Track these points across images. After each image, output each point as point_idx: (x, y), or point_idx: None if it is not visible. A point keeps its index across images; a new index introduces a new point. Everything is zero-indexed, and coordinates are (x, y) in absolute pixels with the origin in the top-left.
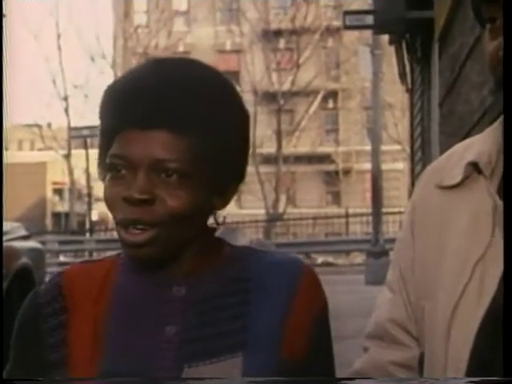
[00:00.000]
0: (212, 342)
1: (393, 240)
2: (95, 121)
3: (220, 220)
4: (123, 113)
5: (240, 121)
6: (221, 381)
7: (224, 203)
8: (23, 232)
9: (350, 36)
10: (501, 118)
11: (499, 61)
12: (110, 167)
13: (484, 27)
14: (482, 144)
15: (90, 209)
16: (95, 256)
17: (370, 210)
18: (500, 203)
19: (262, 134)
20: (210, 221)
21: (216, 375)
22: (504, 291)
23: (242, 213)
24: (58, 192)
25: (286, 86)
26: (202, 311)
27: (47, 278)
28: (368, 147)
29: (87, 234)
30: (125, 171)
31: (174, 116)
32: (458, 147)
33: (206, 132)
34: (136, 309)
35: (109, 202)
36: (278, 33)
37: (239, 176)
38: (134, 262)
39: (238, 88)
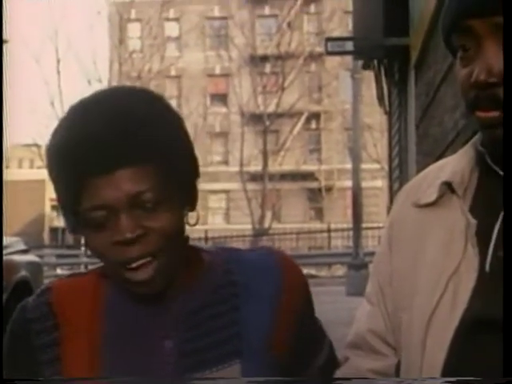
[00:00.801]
0: (209, 353)
1: (372, 253)
2: None
3: (192, 221)
4: (82, 165)
5: (180, 128)
6: (220, 381)
7: (193, 207)
8: (22, 246)
9: (332, 61)
10: (473, 140)
11: (471, 86)
12: (87, 221)
13: (455, 55)
14: (456, 164)
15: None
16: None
17: (350, 225)
18: (472, 221)
19: (249, 153)
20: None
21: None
22: (504, 289)
23: (230, 228)
24: (56, 208)
25: (272, 108)
26: (195, 323)
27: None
28: (349, 166)
29: (82, 249)
30: (105, 219)
31: (129, 151)
32: (433, 167)
33: (161, 154)
34: (130, 325)
35: (99, 251)
36: (264, 58)
37: (196, 174)
38: (137, 296)
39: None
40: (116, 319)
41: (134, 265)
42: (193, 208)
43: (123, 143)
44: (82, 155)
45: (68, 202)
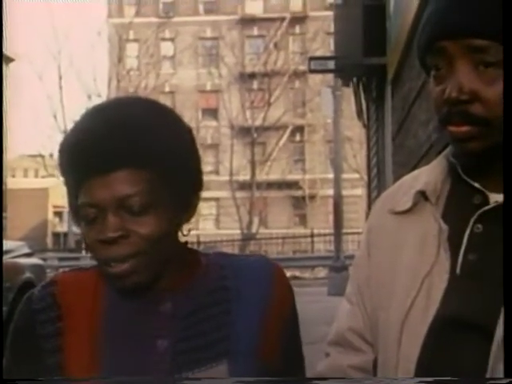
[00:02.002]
0: (199, 352)
1: (352, 256)
2: None
3: (185, 232)
4: (80, 165)
5: (185, 139)
6: (210, 381)
7: (190, 215)
8: (27, 250)
9: (315, 79)
10: (445, 152)
11: (443, 103)
12: (81, 216)
13: (429, 74)
14: (429, 174)
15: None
16: None
17: (332, 231)
18: (444, 227)
19: (238, 163)
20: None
21: (204, 383)
22: (504, 291)
23: (220, 233)
24: (58, 214)
25: (259, 122)
26: (188, 324)
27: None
28: (331, 175)
29: (83, 252)
30: (95, 216)
31: (126, 156)
32: (408, 177)
33: (158, 161)
34: (127, 323)
35: (88, 245)
36: (252, 75)
37: (198, 187)
38: (122, 292)
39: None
40: (115, 315)
41: (112, 263)
42: (189, 218)
43: (121, 148)
44: (84, 156)
45: (70, 197)
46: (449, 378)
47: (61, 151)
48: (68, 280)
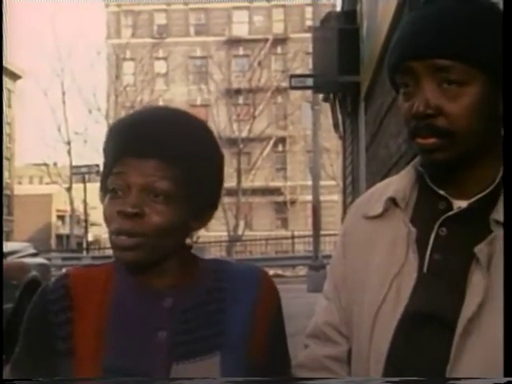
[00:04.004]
0: (195, 345)
1: (329, 256)
2: (92, 161)
3: (193, 239)
4: (123, 144)
5: (217, 160)
6: (201, 380)
7: (199, 226)
8: (32, 250)
9: (295, 94)
10: (413, 162)
11: (411, 117)
12: (109, 189)
13: (398, 91)
14: (399, 182)
15: (86, 232)
16: None
17: (311, 233)
18: (413, 230)
19: (225, 171)
20: (187, 240)
21: (198, 372)
22: (504, 291)
23: (209, 235)
24: (61, 218)
25: (245, 134)
26: (186, 319)
27: (54, 278)
28: (310, 182)
29: (84, 252)
30: (121, 192)
31: (164, 149)
32: (380, 185)
33: (190, 165)
34: (132, 315)
35: (106, 216)
36: (238, 91)
37: (214, 205)
38: (123, 265)
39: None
40: (121, 307)
41: (121, 236)
42: (199, 227)
43: (158, 140)
44: (126, 138)
45: (104, 172)
46: (415, 378)
47: (108, 132)
48: (80, 274)
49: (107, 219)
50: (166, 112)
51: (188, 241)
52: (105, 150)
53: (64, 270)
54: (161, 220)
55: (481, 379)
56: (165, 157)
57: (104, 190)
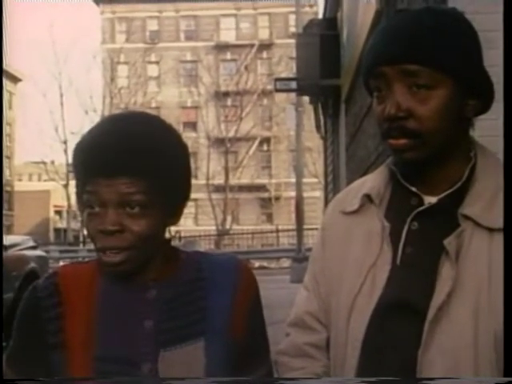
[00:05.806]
0: (180, 332)
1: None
2: None
3: (172, 234)
4: (90, 165)
5: (181, 155)
6: (191, 380)
7: (176, 220)
8: (32, 243)
9: (280, 97)
10: (387, 161)
11: (384, 120)
12: (86, 203)
13: (372, 95)
14: (374, 180)
15: (82, 226)
16: None
17: (294, 227)
18: (386, 224)
19: (214, 169)
20: (166, 235)
21: (185, 356)
22: (504, 291)
23: (198, 229)
24: (59, 213)
25: (232, 134)
26: (170, 308)
27: (43, 276)
28: (293, 180)
29: (81, 245)
30: (98, 208)
31: (130, 165)
32: (357, 182)
33: (159, 172)
34: (119, 307)
35: (89, 233)
36: (226, 94)
37: (185, 197)
38: (113, 277)
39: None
40: (108, 300)
41: (107, 252)
42: (175, 222)
43: (123, 157)
44: (93, 160)
45: (78, 185)
46: (391, 378)
47: (75, 152)
48: (68, 271)
49: (90, 236)
50: (123, 124)
51: (167, 235)
52: (75, 168)
53: (53, 268)
54: (141, 230)
55: (453, 379)
56: (133, 173)
57: (81, 203)
